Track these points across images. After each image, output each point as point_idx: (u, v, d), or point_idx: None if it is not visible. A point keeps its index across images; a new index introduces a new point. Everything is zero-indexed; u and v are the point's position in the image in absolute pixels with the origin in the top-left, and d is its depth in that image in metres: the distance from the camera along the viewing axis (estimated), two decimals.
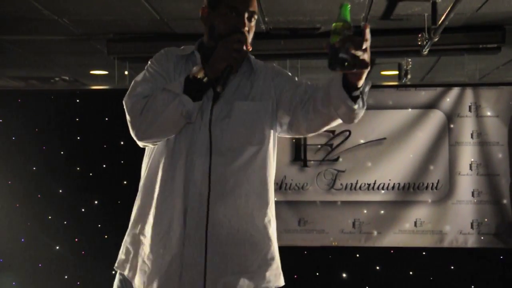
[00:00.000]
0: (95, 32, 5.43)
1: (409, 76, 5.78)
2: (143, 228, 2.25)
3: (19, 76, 7.30)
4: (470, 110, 5.44)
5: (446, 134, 5.44)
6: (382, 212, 5.48)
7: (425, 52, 5.02)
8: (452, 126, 5.45)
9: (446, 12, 4.28)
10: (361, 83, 1.95)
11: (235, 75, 2.27)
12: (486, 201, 5.40)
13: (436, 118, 5.45)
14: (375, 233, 5.48)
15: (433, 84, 5.75)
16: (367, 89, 2.01)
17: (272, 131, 2.30)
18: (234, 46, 2.12)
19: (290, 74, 2.40)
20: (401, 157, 5.49)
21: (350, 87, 1.97)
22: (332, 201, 5.52)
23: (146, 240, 2.23)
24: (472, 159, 5.42)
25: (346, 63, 1.80)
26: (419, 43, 4.85)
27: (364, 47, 1.82)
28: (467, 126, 5.43)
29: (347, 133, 5.54)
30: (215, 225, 2.17)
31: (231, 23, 2.20)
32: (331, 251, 5.55)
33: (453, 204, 5.43)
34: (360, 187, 5.49)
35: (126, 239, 2.32)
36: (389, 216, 5.48)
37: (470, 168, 5.42)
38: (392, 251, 5.50)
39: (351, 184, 5.51)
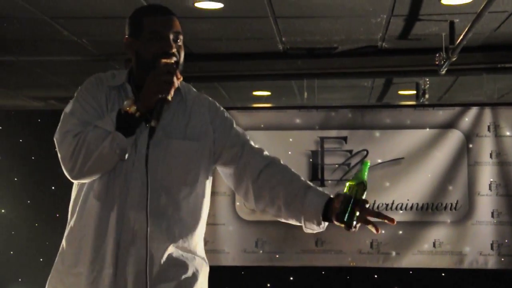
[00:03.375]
0: (113, 53, 5.48)
1: (427, 96, 5.77)
2: (75, 264, 2.18)
3: (38, 96, 7.38)
4: (489, 130, 5.40)
5: (465, 154, 5.40)
6: (400, 232, 5.44)
7: (443, 72, 5.01)
8: (471, 146, 5.40)
9: (464, 32, 4.27)
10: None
11: (168, 106, 2.18)
12: (506, 222, 5.34)
13: (454, 138, 5.41)
14: (394, 253, 5.43)
15: (451, 103, 5.72)
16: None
17: (207, 171, 2.26)
18: (163, 78, 2.05)
19: (227, 115, 2.34)
20: (419, 177, 5.45)
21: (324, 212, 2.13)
22: None
23: (79, 278, 2.16)
24: (492, 179, 5.37)
25: (348, 223, 2.03)
26: (437, 62, 4.84)
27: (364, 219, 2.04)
28: (486, 146, 5.39)
29: (365, 152, 5.52)
30: (140, 260, 2.12)
31: (157, 48, 2.13)
32: (349, 271, 5.51)
33: (472, 224, 5.37)
34: (378, 207, 5.46)
35: (54, 274, 2.24)
36: (407, 236, 5.43)
37: (490, 189, 5.37)
38: (411, 272, 5.45)
39: (369, 204, 5.47)
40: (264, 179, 2.24)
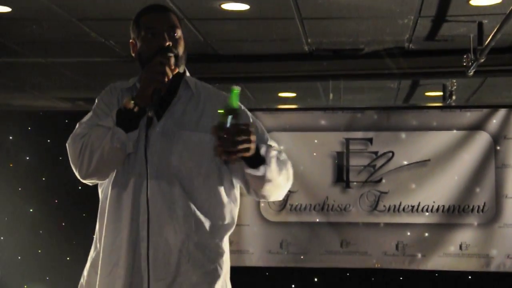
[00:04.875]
0: None
1: (453, 97, 5.72)
2: (96, 259, 2.25)
3: (66, 97, 7.46)
4: None
5: (493, 156, 5.34)
6: (426, 234, 5.40)
7: (471, 73, 4.96)
8: (498, 148, 5.35)
9: (493, 33, 4.23)
10: (250, 155, 2.05)
11: (177, 100, 2.25)
12: None
13: (482, 139, 5.36)
14: (419, 256, 5.39)
15: (479, 105, 5.67)
16: (269, 154, 2.14)
17: (222, 164, 2.25)
18: (156, 69, 2.12)
19: (242, 108, 2.32)
20: (445, 179, 5.41)
21: (249, 162, 2.10)
22: (375, 222, 5.47)
23: (98, 272, 2.22)
24: None
25: (220, 152, 2.01)
26: (465, 64, 4.79)
27: (239, 139, 1.98)
28: None
29: (390, 154, 5.49)
30: (158, 253, 2.16)
31: (153, 44, 2.21)
32: (374, 273, 5.50)
33: (500, 227, 5.32)
34: (403, 209, 5.43)
35: (83, 273, 2.32)
36: (433, 238, 5.40)
37: None
38: (436, 275, 5.41)
39: (394, 205, 5.45)
40: None
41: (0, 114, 6.38)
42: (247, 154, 2.03)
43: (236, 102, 2.02)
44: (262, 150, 2.13)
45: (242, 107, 2.35)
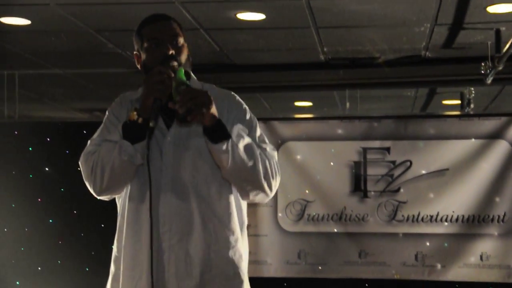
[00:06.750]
0: None
1: (472, 106, 5.67)
2: (117, 274, 2.27)
3: (84, 108, 7.52)
4: None
5: None
6: (445, 244, 5.34)
7: (489, 81, 4.92)
8: None
9: (511, 41, 4.20)
10: (207, 121, 2.10)
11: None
12: None
13: (501, 148, 5.30)
14: (439, 266, 5.34)
15: (497, 113, 5.60)
16: (240, 139, 2.16)
17: None
18: (155, 78, 2.12)
19: (245, 111, 2.34)
20: (465, 188, 5.35)
21: (212, 135, 2.13)
22: (394, 233, 5.42)
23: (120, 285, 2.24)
24: None
25: (181, 115, 2.09)
26: (483, 72, 4.76)
27: (187, 100, 2.04)
28: None
29: (408, 163, 5.45)
30: (180, 264, 2.18)
31: (157, 54, 2.22)
32: (393, 284, 5.44)
33: None
34: (422, 219, 5.38)
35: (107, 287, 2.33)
36: (453, 249, 5.33)
37: None
38: (457, 286, 5.34)
39: (413, 215, 5.40)
40: None
41: (19, 126, 6.43)
42: (207, 115, 2.06)
43: (183, 77, 2.13)
44: (232, 132, 2.15)
45: (240, 102, 2.35)
